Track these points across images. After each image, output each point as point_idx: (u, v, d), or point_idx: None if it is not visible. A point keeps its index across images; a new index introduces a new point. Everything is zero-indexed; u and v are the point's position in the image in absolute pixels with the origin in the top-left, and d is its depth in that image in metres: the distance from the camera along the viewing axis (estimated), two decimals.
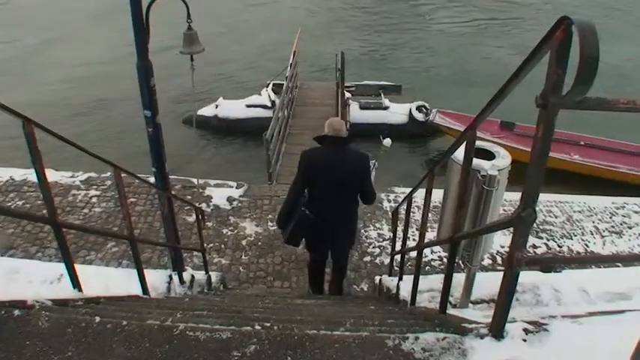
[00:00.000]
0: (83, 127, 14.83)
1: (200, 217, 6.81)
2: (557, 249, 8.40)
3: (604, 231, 8.97)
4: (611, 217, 9.40)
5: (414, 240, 7.14)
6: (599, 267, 7.97)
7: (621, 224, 9.21)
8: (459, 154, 3.48)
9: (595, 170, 12.63)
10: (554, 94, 1.50)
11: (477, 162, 3.45)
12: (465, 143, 2.78)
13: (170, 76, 14.57)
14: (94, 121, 15.56)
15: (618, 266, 8.13)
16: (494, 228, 2.29)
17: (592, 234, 8.86)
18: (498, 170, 3.64)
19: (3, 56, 20.31)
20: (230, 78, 17.97)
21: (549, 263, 1.74)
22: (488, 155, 3.85)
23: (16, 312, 2.39)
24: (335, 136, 5.13)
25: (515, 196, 9.39)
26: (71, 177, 9.65)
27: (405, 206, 5.45)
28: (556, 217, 9.23)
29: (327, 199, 5.21)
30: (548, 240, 8.57)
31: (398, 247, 6.04)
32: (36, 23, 23.20)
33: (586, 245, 8.55)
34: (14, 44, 21.44)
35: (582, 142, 13.12)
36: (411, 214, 6.35)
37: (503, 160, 3.83)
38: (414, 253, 4.65)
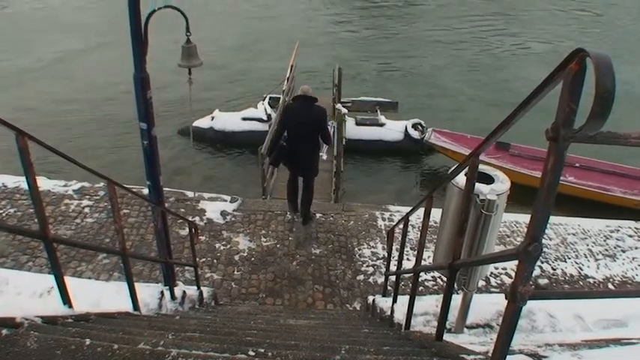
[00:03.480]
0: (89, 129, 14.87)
1: (193, 231, 6.74)
2: (551, 271, 8.37)
3: (598, 254, 8.95)
4: (605, 241, 9.38)
5: (408, 260, 7.10)
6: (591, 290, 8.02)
7: (615, 247, 9.19)
8: (459, 177, 3.46)
9: (590, 193, 12.61)
10: (565, 128, 1.46)
11: (476, 186, 3.41)
12: (466, 169, 2.72)
13: (166, 85, 14.56)
14: (101, 128, 15.55)
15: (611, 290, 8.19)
16: (497, 259, 2.24)
17: (586, 257, 8.84)
18: (497, 195, 3.61)
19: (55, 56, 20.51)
20: (227, 90, 17.95)
21: (553, 298, 1.69)
22: (487, 179, 3.82)
23: (4, 331, 2.32)
24: (304, 95, 7.96)
25: (509, 217, 9.43)
26: (64, 186, 9.58)
27: (401, 226, 5.40)
28: (550, 239, 9.21)
29: (297, 137, 8.04)
30: (542, 262, 8.53)
31: (392, 267, 5.99)
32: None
33: (580, 268, 8.52)
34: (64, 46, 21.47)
35: (577, 164, 13.11)
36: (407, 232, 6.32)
37: (503, 184, 3.79)
38: (408, 274, 4.61)
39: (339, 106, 12.19)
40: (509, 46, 23.74)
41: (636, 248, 9.26)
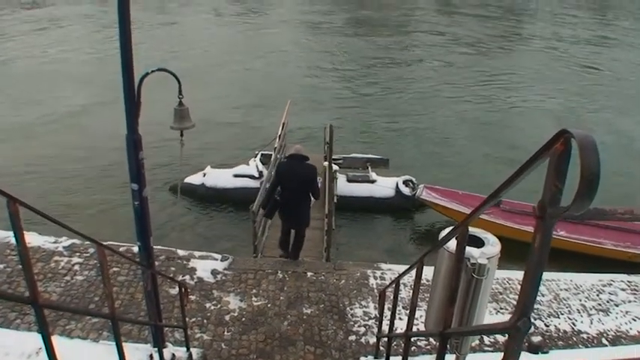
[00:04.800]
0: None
1: (183, 291, 6.68)
2: (545, 328, 8.31)
3: (591, 309, 8.91)
4: (598, 295, 9.35)
5: (400, 319, 7.03)
6: (586, 346, 7.96)
7: (608, 302, 9.16)
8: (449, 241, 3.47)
9: (581, 247, 12.63)
10: (552, 206, 1.49)
11: (466, 249, 3.41)
12: (457, 237, 2.74)
13: (158, 141, 14.64)
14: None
15: (605, 345, 8.14)
16: (488, 331, 2.24)
17: (579, 312, 8.79)
18: (488, 258, 3.62)
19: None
20: (218, 146, 18.05)
21: None
22: (478, 242, 3.83)
23: None
24: (296, 154, 8.81)
25: (501, 274, 9.42)
26: (54, 242, 9.50)
27: (392, 287, 5.39)
28: (542, 295, 9.17)
29: (290, 191, 8.84)
30: (535, 319, 8.47)
31: (385, 327, 5.94)
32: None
33: (573, 324, 8.47)
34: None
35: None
36: (399, 291, 6.29)
37: (493, 247, 3.80)
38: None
39: (325, 163, 12.94)
40: (507, 102, 24.30)
41: (629, 302, 9.24)
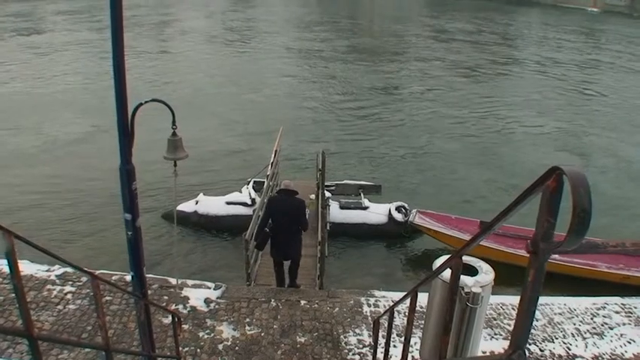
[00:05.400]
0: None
1: (176, 320, 6.66)
2: (539, 353, 8.30)
3: (585, 333, 8.92)
4: (592, 319, 9.36)
5: (394, 347, 7.01)
6: None
7: (602, 325, 9.17)
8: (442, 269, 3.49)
9: (575, 270, 12.62)
10: (545, 241, 1.51)
11: (460, 278, 3.43)
12: (451, 269, 2.76)
13: (150, 168, 14.67)
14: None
15: None
16: None
17: (574, 336, 8.80)
18: (482, 287, 3.63)
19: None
20: (211, 174, 18.05)
21: None
22: (471, 270, 3.85)
23: None
24: (286, 189, 9.32)
25: (496, 299, 9.42)
26: (47, 271, 9.46)
27: (387, 316, 5.39)
28: (537, 319, 9.16)
29: (280, 225, 9.24)
30: (529, 344, 8.46)
31: (379, 355, 5.92)
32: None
33: (568, 348, 8.47)
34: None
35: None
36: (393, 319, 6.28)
37: (487, 275, 3.82)
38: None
39: (312, 196, 13.51)
40: (503, 127, 24.52)
41: (624, 325, 9.25)
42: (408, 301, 4.08)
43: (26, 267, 9.27)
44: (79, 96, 26.57)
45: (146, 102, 5.09)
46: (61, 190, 16.64)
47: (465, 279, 3.65)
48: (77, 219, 15.09)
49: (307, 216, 9.86)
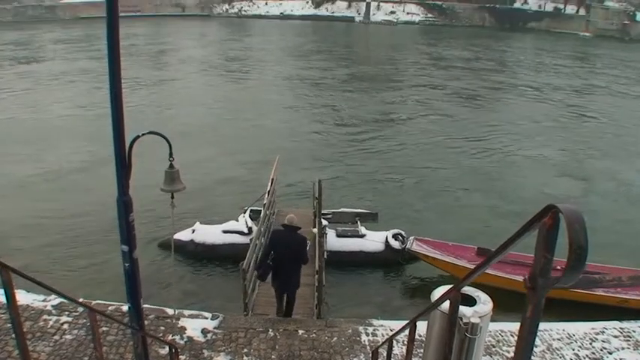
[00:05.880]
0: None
1: (174, 351, 6.61)
2: None
3: (585, 358, 8.87)
4: (591, 344, 9.31)
5: None
6: None
7: (602, 350, 9.13)
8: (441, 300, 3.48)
9: (572, 294, 12.51)
10: (542, 277, 1.53)
11: (459, 308, 3.43)
12: (449, 302, 2.76)
13: (146, 196, 14.66)
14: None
15: None
16: None
17: None
18: (480, 317, 3.63)
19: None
20: (208, 202, 18.04)
21: None
22: (470, 300, 3.84)
23: None
24: (289, 224, 9.64)
25: (494, 326, 9.37)
26: (43, 301, 9.39)
27: (385, 346, 5.37)
28: (536, 346, 9.08)
29: (282, 258, 9.46)
30: None
31: None
32: None
33: None
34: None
35: (558, 267, 13.13)
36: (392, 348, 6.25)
37: (485, 305, 3.82)
38: None
39: (315, 230, 13.26)
40: (504, 153, 24.76)
41: (622, 349, 9.20)
42: (406, 331, 4.07)
43: (22, 297, 9.20)
44: (79, 125, 26.67)
45: (143, 134, 5.12)
46: (61, 218, 16.67)
47: (463, 309, 3.65)
48: (77, 247, 15.09)
49: (308, 249, 10.07)
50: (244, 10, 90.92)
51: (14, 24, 71.48)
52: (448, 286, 3.01)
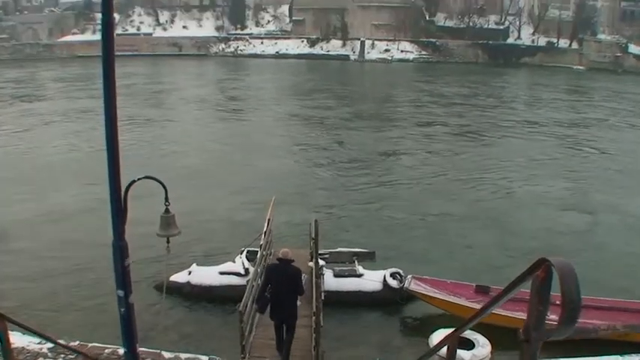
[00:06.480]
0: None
1: None
2: None
3: None
4: None
5: None
6: None
7: None
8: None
9: None
10: (537, 330, 1.53)
11: (457, 352, 3.41)
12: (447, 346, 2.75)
13: (143, 235, 14.62)
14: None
15: None
16: None
17: None
18: None
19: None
20: (204, 244, 17.98)
21: None
22: (468, 344, 3.83)
23: None
24: (283, 258, 9.92)
25: None
26: (39, 343, 9.29)
27: None
28: None
29: (278, 290, 9.73)
30: None
31: None
32: None
33: None
34: None
35: (557, 302, 12.99)
36: None
37: (483, 348, 3.81)
38: None
39: (311, 263, 13.41)
40: (506, 188, 24.82)
41: None
42: None
43: (18, 339, 9.10)
44: (80, 164, 26.70)
45: (139, 179, 5.14)
46: (58, 259, 16.66)
47: (461, 353, 3.63)
48: (70, 291, 14.98)
49: (304, 281, 10.45)
50: (240, 50, 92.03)
51: (12, 61, 72.26)
52: (445, 330, 3.00)
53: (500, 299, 1.82)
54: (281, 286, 9.86)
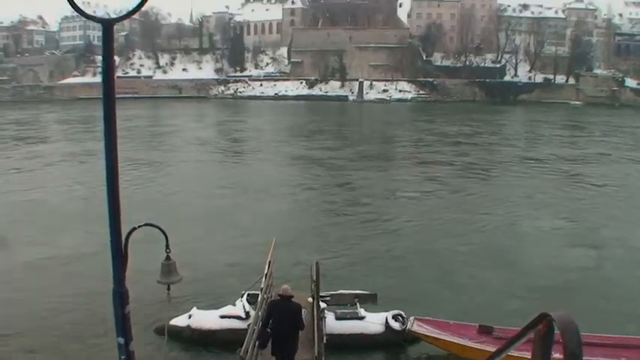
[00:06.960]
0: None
1: None
2: None
3: None
4: None
5: None
6: None
7: None
8: None
9: None
10: None
11: None
12: None
13: (142, 273, 14.58)
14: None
15: None
16: None
17: None
18: None
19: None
20: (204, 287, 17.85)
21: None
22: None
23: None
24: (284, 295, 10.35)
25: None
26: None
27: None
28: None
29: (279, 326, 10.20)
30: None
31: None
32: None
33: None
34: None
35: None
36: None
37: None
38: None
39: (310, 299, 13.57)
40: (508, 226, 24.82)
41: None
42: None
43: None
44: (89, 207, 26.56)
45: (139, 226, 5.14)
46: (57, 303, 16.54)
47: None
48: (70, 340, 14.82)
49: (304, 316, 10.92)
50: (240, 92, 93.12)
51: (13, 103, 72.82)
52: None
53: (502, 353, 1.81)
54: (283, 323, 10.28)
